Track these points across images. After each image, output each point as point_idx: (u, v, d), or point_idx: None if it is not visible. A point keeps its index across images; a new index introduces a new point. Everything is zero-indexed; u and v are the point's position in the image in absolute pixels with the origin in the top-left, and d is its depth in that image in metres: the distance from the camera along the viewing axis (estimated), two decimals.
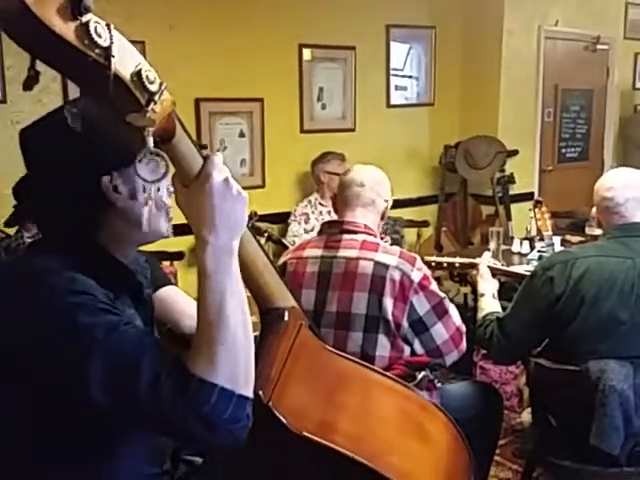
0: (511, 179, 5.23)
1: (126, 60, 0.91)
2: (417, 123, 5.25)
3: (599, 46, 5.82)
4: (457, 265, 2.77)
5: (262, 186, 4.45)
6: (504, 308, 2.42)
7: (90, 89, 0.93)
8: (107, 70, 0.88)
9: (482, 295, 2.55)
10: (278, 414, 1.17)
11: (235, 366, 1.03)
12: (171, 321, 1.48)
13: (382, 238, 2.23)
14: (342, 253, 2.10)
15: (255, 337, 1.11)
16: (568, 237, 3.82)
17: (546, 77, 5.55)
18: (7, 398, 1.13)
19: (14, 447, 1.15)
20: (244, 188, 1.10)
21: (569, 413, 2.20)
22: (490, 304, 2.49)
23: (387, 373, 1.58)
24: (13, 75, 3.48)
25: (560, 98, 5.81)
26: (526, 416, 2.93)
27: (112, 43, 0.88)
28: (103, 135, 1.13)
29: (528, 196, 5.27)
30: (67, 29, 0.85)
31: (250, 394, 1.05)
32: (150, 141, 0.95)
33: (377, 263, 2.05)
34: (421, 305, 2.05)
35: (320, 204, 4.38)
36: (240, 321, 1.05)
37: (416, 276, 2.06)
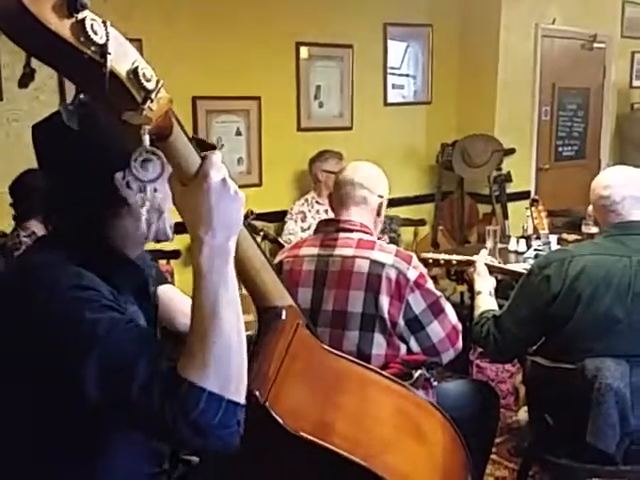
0: (508, 177, 5.24)
1: (122, 57, 0.90)
2: (414, 121, 5.25)
3: (596, 44, 5.81)
4: (454, 262, 2.75)
5: (259, 184, 4.45)
6: (501, 306, 2.42)
7: (86, 87, 0.92)
8: (103, 67, 0.87)
9: (479, 293, 2.54)
10: (275, 414, 1.16)
11: (226, 370, 1.01)
12: (166, 319, 1.49)
13: (380, 238, 2.23)
14: (338, 252, 2.10)
15: (250, 336, 1.10)
16: (565, 235, 3.82)
17: (543, 75, 5.55)
18: (7, 398, 1.13)
19: (14, 447, 1.15)
20: (241, 186, 1.10)
21: (565, 411, 2.20)
22: (487, 302, 2.48)
23: (384, 372, 1.58)
24: (10, 73, 3.46)
25: (557, 96, 5.80)
26: (522, 414, 2.93)
27: (108, 40, 0.87)
28: (114, 132, 1.11)
29: (525, 194, 5.29)
30: (63, 26, 0.84)
31: (241, 400, 1.03)
32: (146, 139, 0.95)
33: (373, 261, 2.05)
34: (417, 303, 2.05)
35: (317, 202, 4.37)
36: (234, 324, 1.03)
37: (412, 274, 2.05)
